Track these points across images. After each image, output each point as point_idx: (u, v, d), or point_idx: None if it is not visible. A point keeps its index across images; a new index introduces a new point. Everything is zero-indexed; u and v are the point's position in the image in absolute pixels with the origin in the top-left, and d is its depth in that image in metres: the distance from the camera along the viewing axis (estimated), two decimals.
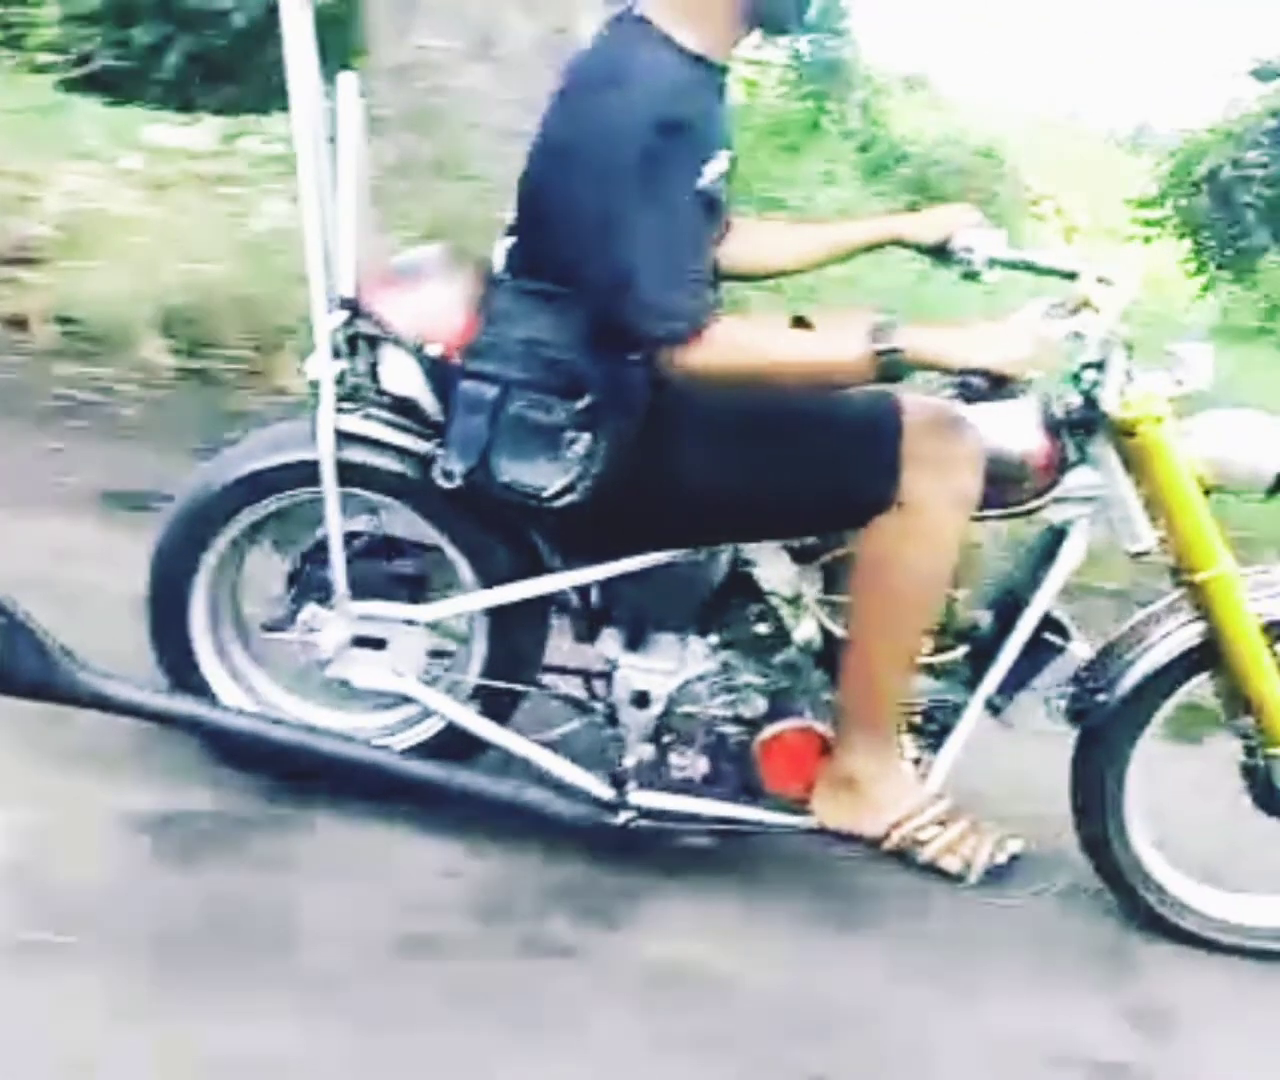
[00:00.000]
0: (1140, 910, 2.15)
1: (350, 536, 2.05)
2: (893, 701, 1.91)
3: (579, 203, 1.70)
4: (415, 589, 2.06)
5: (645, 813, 2.02)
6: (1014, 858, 1.92)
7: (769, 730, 1.99)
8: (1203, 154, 7.89)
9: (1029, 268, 2.10)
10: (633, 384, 1.77)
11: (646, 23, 1.75)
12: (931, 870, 1.89)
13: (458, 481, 1.82)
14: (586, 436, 1.78)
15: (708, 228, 1.78)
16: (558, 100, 1.78)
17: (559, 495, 1.80)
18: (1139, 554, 1.99)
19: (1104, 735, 2.08)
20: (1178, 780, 2.19)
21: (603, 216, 1.66)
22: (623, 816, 2.01)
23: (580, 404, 1.78)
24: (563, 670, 2.18)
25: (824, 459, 1.82)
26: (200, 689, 2.10)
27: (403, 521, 2.06)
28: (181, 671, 2.10)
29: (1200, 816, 2.20)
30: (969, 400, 1.72)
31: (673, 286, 1.67)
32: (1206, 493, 1.96)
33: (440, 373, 1.85)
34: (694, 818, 2.03)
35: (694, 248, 1.70)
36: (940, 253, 2.14)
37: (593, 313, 1.74)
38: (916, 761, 2.02)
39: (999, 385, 1.69)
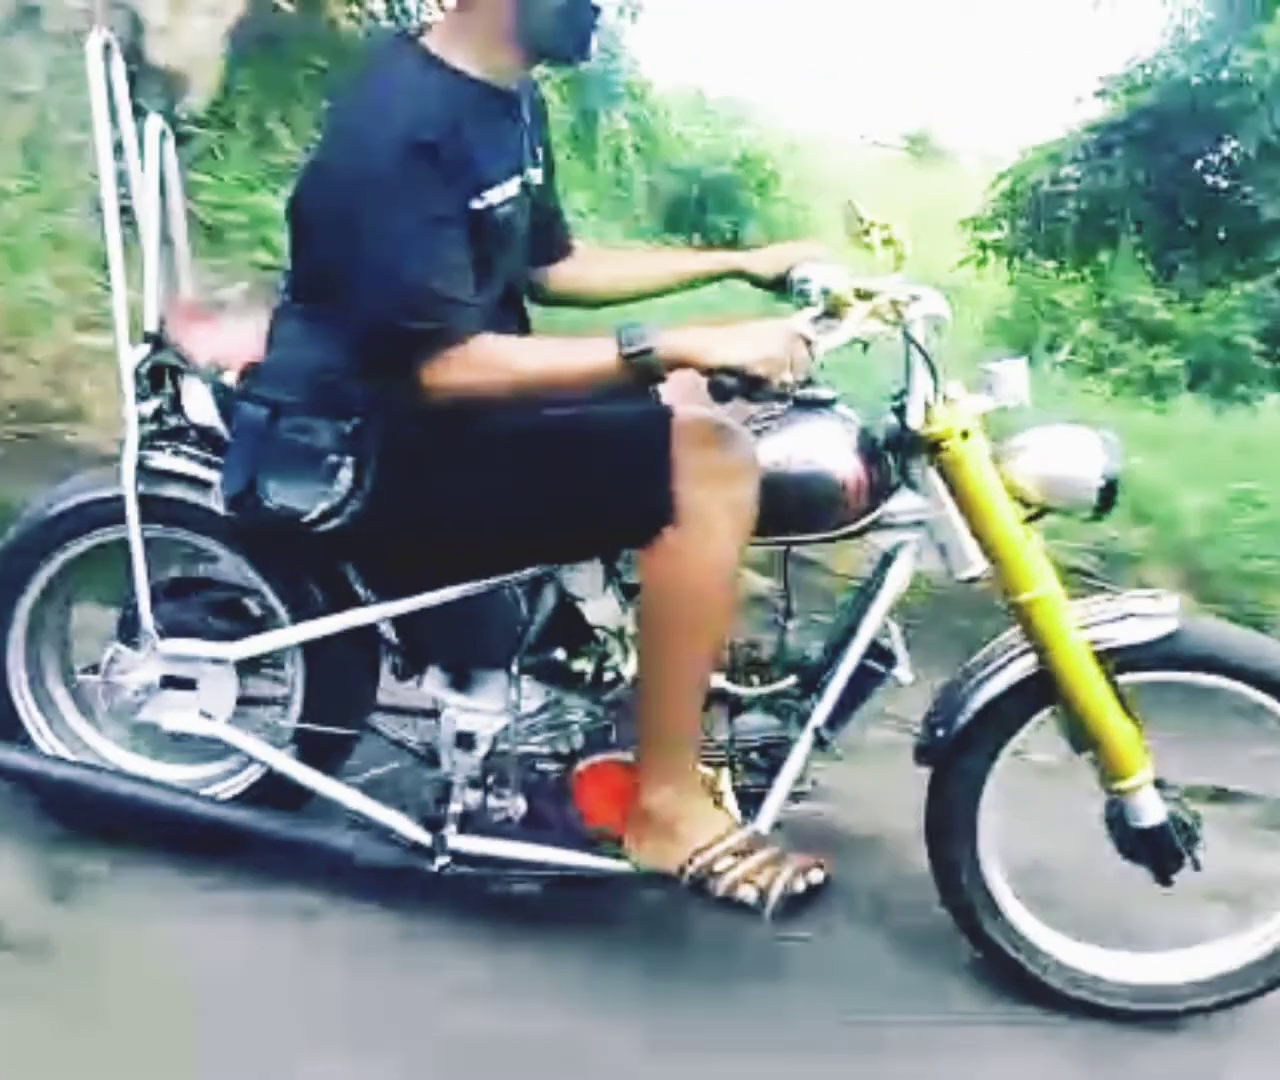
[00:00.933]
0: (998, 961, 2.03)
1: (180, 579, 2.04)
2: (687, 728, 1.83)
3: (337, 223, 1.70)
4: (234, 628, 2.02)
5: (462, 858, 1.94)
6: (816, 888, 1.82)
7: (583, 764, 1.92)
8: (1032, 172, 8.19)
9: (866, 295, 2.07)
10: (399, 407, 1.74)
11: (420, 46, 1.77)
12: (729, 903, 1.79)
13: (227, 506, 1.80)
14: (351, 460, 1.76)
15: (488, 248, 1.76)
16: (326, 123, 1.79)
17: (322, 519, 1.77)
18: (970, 580, 1.93)
19: (947, 775, 2.00)
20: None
21: (358, 236, 1.66)
22: (438, 862, 1.94)
23: (347, 427, 1.76)
24: (396, 711, 2.12)
25: (594, 474, 1.79)
26: (22, 738, 2.06)
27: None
28: (2, 722, 2.06)
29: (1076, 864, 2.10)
30: (722, 399, 1.67)
31: (424, 304, 1.65)
32: (1041, 514, 1.91)
33: (229, 400, 1.84)
34: (514, 863, 1.95)
35: (448, 266, 1.68)
36: (780, 286, 2.12)
37: (353, 332, 1.73)
38: (743, 797, 1.94)
39: (754, 386, 1.64)
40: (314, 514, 1.77)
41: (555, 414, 1.81)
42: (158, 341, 1.92)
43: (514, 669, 1.95)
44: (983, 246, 8.43)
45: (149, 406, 1.96)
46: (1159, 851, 1.92)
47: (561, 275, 2.13)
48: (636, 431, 1.79)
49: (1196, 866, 1.93)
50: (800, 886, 1.80)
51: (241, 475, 1.79)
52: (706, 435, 1.75)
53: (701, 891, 1.80)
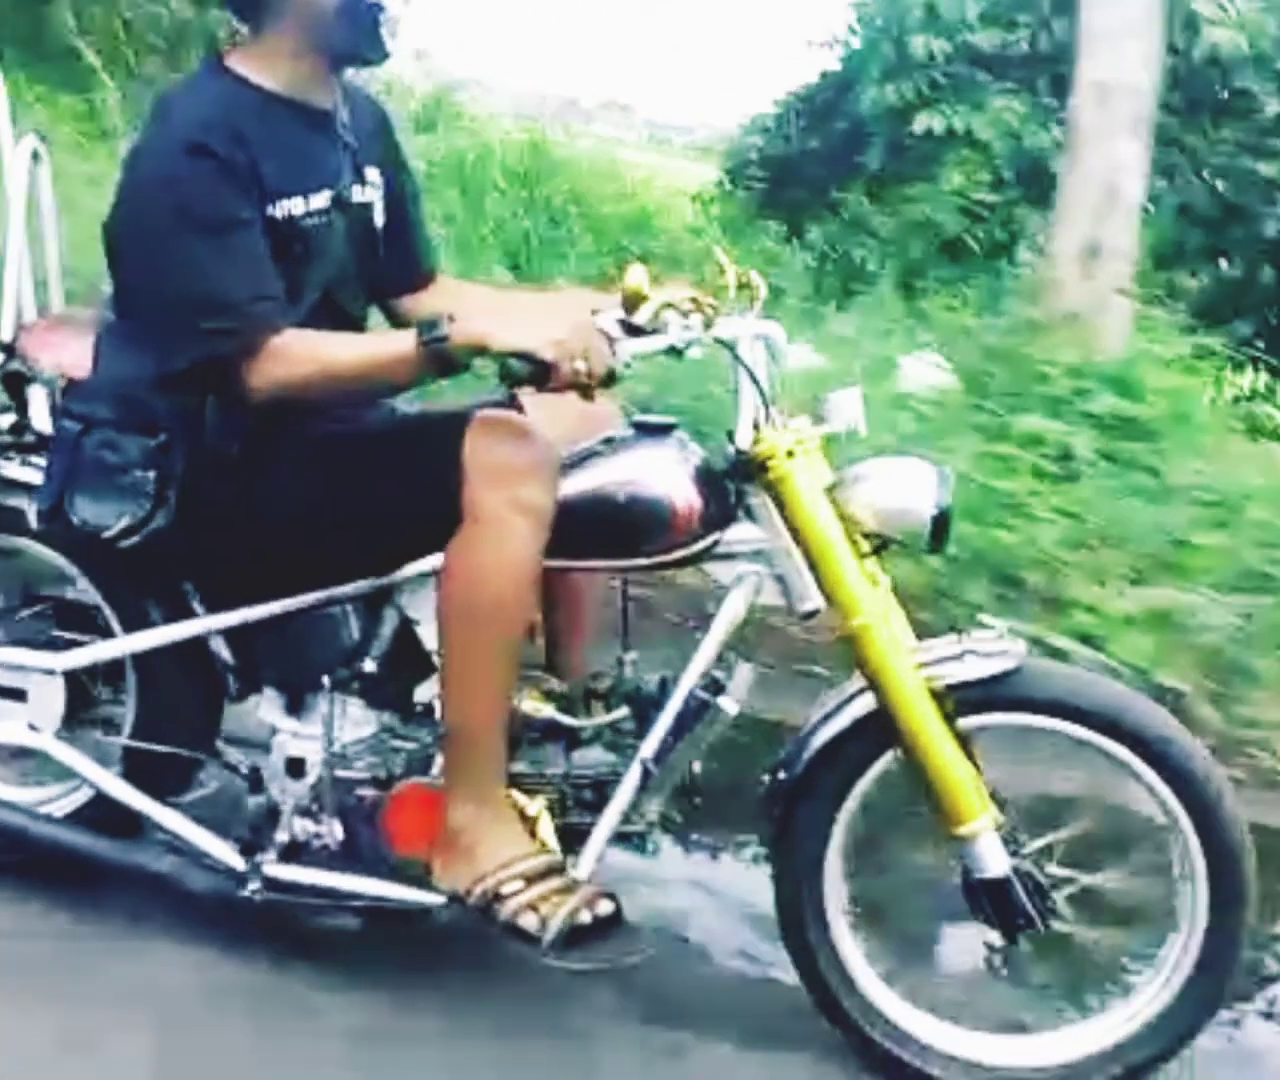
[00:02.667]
0: (851, 1033, 1.91)
1: (34, 594, 2.05)
2: (488, 742, 1.77)
3: (132, 235, 1.75)
4: (76, 642, 2.02)
5: (275, 885, 1.89)
6: (604, 921, 1.73)
7: (395, 789, 1.86)
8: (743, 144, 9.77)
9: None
10: (201, 420, 1.76)
11: (220, 66, 1.82)
12: (512, 929, 1.70)
13: (40, 520, 1.83)
14: (153, 474, 1.78)
15: (291, 260, 1.78)
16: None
17: (125, 534, 1.78)
18: (808, 615, 1.87)
19: (791, 823, 1.91)
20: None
21: (142, 243, 1.72)
22: (250, 888, 1.88)
23: (152, 442, 1.78)
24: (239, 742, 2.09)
25: (391, 480, 1.78)
26: None
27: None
28: None
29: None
30: (512, 384, 1.65)
31: (218, 303, 1.67)
32: (883, 546, 1.86)
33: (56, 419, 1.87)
34: (330, 893, 1.89)
35: (241, 264, 1.70)
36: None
37: (154, 342, 1.75)
38: (577, 834, 1.87)
39: (544, 372, 1.62)
40: (116, 529, 1.78)
41: (362, 425, 1.82)
42: (10, 351, 1.96)
43: (342, 691, 1.92)
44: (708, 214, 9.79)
45: (6, 418, 2.00)
46: (1002, 906, 1.81)
47: (422, 305, 2.13)
48: (431, 435, 1.79)
49: (1044, 925, 1.82)
50: (586, 918, 1.72)
51: (52, 492, 1.82)
52: (499, 435, 1.74)
53: (487, 915, 1.72)
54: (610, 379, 1.66)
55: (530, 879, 1.73)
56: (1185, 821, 1.79)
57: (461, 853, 1.77)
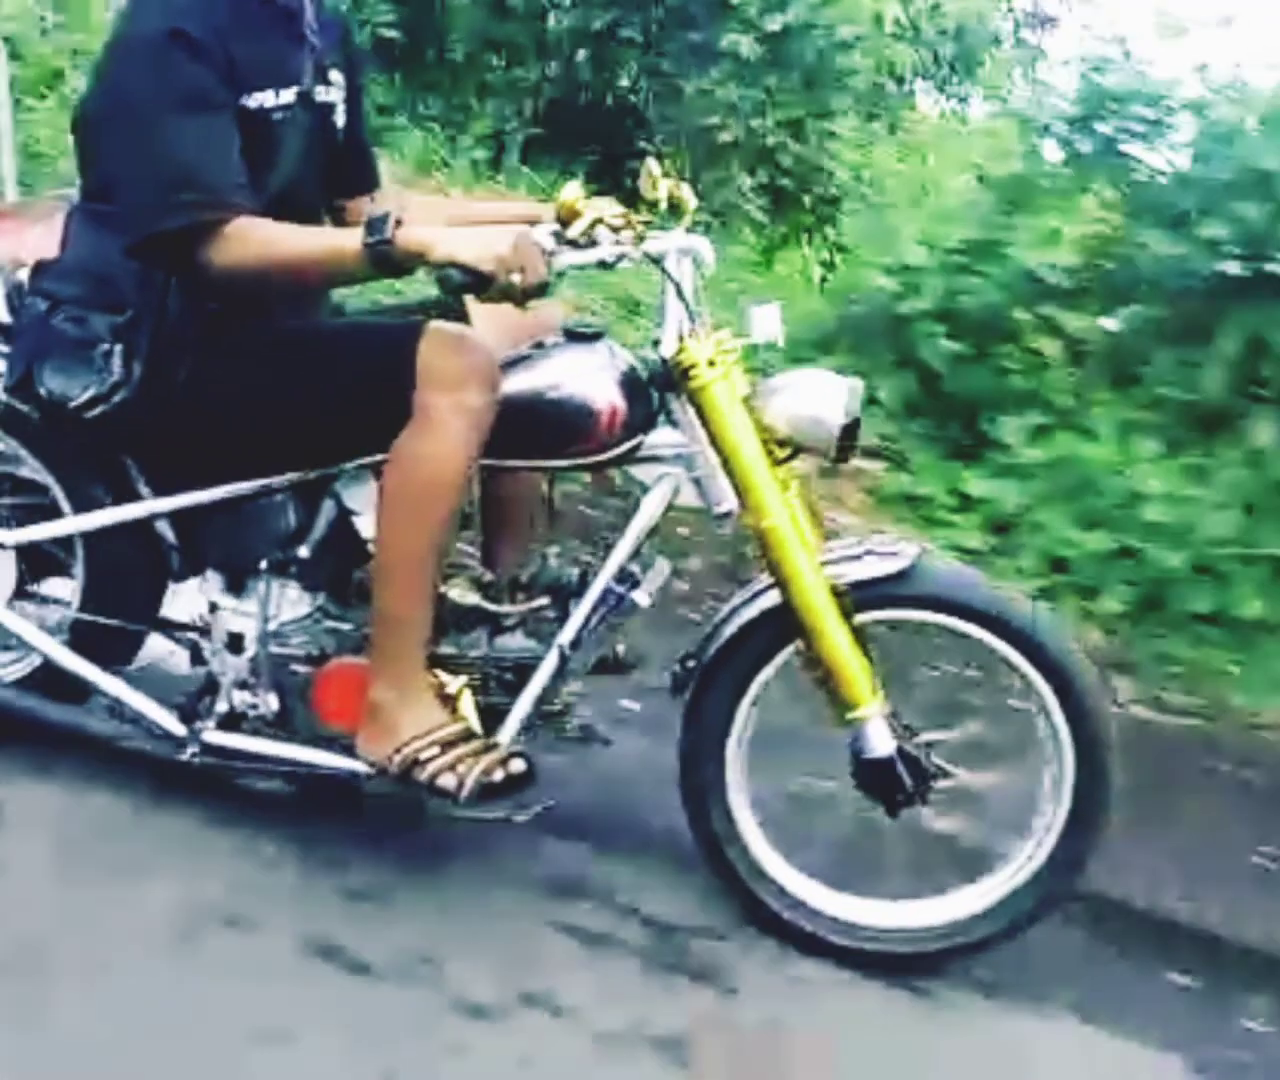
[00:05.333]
0: (742, 895, 2.09)
1: None
2: (410, 624, 1.90)
3: (106, 118, 1.82)
4: (28, 520, 2.10)
5: (212, 750, 2.01)
6: (514, 777, 1.88)
7: (326, 666, 1.99)
8: None
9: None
10: (165, 298, 1.84)
11: None
12: (431, 789, 1.85)
13: (7, 392, 1.90)
14: (120, 349, 1.85)
15: (258, 151, 1.86)
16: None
17: (88, 405, 1.86)
18: (722, 516, 2.00)
19: (698, 704, 2.06)
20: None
21: (122, 125, 1.78)
22: (189, 752, 2.01)
23: (120, 319, 1.86)
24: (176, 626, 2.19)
25: (346, 378, 1.88)
26: None
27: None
28: None
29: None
30: (449, 292, 1.76)
31: (181, 181, 1.75)
32: (795, 454, 1.99)
33: (21, 297, 1.94)
34: (262, 759, 2.02)
35: (208, 147, 1.78)
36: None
37: (121, 218, 1.82)
38: (496, 713, 2.00)
39: (481, 283, 1.73)
40: (81, 399, 1.86)
41: (319, 323, 1.91)
42: None
43: (280, 573, 2.03)
44: None
45: None
46: (886, 784, 1.98)
47: (364, 211, 2.19)
48: (386, 340, 1.89)
49: (923, 801, 1.99)
50: (499, 776, 1.86)
51: (20, 364, 1.89)
52: (446, 344, 1.84)
53: (407, 780, 1.86)
54: (542, 290, 1.75)
55: (446, 745, 1.87)
56: (1055, 708, 1.97)
57: (383, 726, 1.90)
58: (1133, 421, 3.40)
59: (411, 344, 1.83)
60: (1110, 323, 3.50)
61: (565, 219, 1.77)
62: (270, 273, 1.79)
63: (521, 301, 1.76)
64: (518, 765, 1.88)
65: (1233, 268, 3.32)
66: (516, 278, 1.71)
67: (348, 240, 1.77)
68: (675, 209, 2.14)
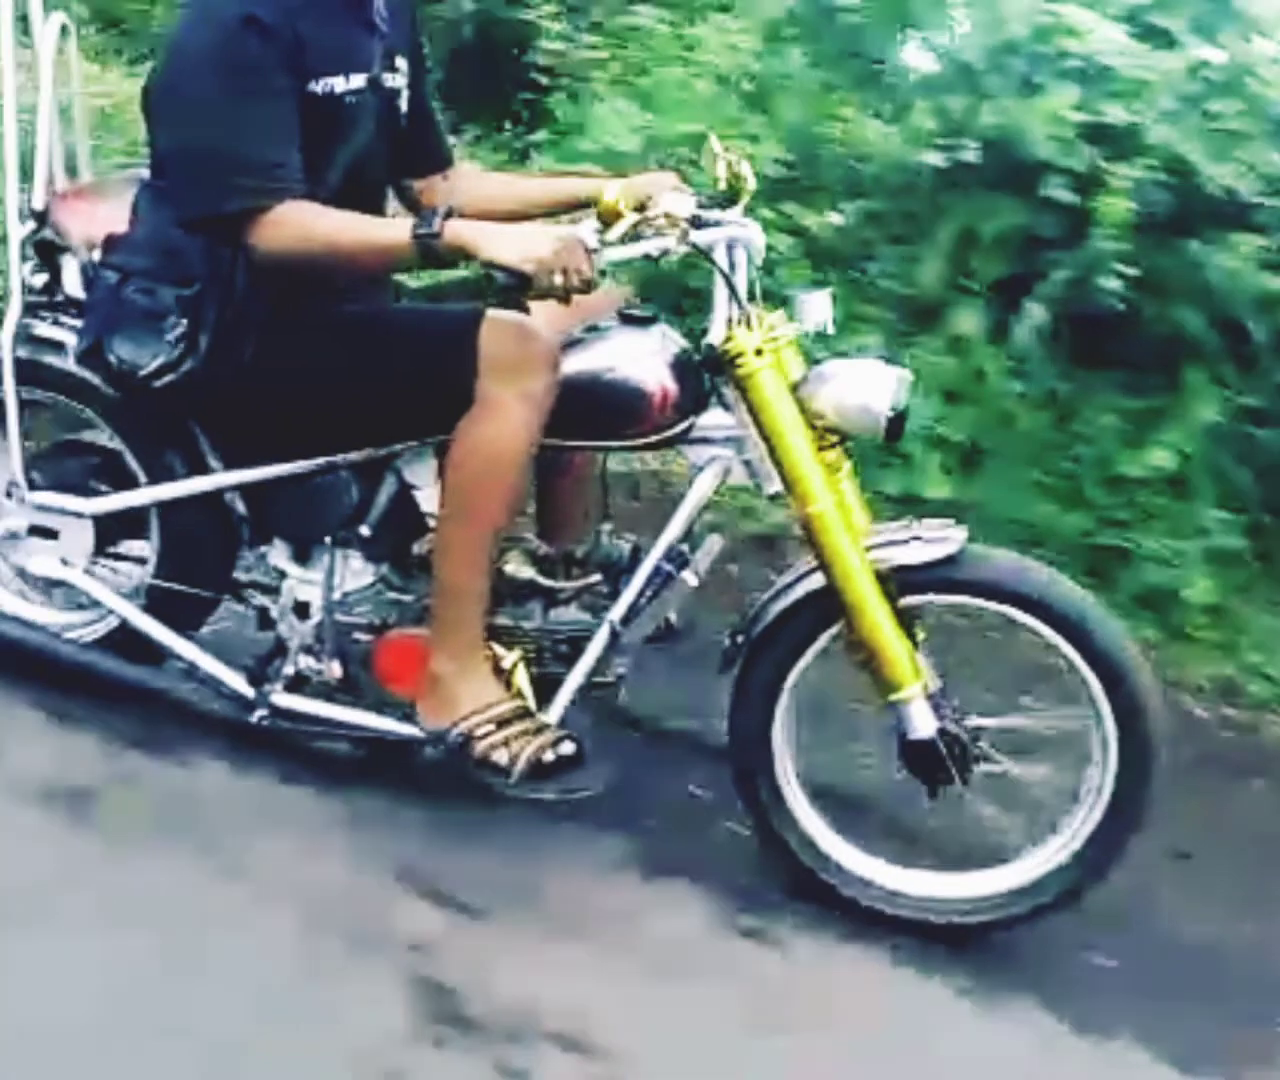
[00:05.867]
0: (789, 867, 2.15)
1: (72, 442, 2.24)
2: (470, 599, 1.97)
3: (176, 97, 1.89)
4: (103, 488, 2.21)
5: (280, 713, 2.12)
6: (565, 759, 1.96)
7: (388, 636, 2.07)
8: None
9: (712, 224, 2.16)
10: (233, 274, 1.91)
11: None
12: (485, 765, 1.93)
13: (78, 361, 1.99)
14: (185, 321, 1.93)
15: (326, 135, 1.92)
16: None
17: (156, 374, 1.93)
18: (774, 496, 2.05)
19: (745, 681, 2.11)
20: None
21: (190, 105, 1.85)
22: (257, 715, 2.11)
23: (187, 291, 1.93)
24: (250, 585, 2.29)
25: (410, 363, 1.94)
26: None
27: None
28: None
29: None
30: (496, 289, 1.81)
31: (241, 165, 1.82)
32: (842, 439, 2.02)
33: (92, 271, 2.02)
34: (328, 722, 2.11)
35: (270, 132, 1.84)
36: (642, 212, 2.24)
37: (184, 195, 1.89)
38: (550, 684, 2.07)
39: (524, 283, 1.77)
40: (150, 368, 1.94)
41: (384, 308, 1.98)
42: (41, 219, 2.11)
43: (345, 545, 2.11)
44: None
45: (39, 279, 2.16)
46: (928, 764, 2.03)
47: (436, 190, 2.28)
48: (448, 327, 1.94)
49: (964, 782, 2.04)
50: (550, 756, 1.94)
51: (91, 334, 1.98)
52: (507, 333, 1.89)
53: (463, 753, 1.95)
54: (587, 287, 1.80)
55: (501, 722, 1.94)
56: (1102, 699, 2.00)
57: (442, 698, 1.98)
58: (857, 314, 3.38)
59: (472, 332, 1.89)
60: (836, 217, 3.51)
61: (606, 220, 1.80)
62: (319, 258, 1.85)
63: (566, 299, 1.80)
64: (568, 747, 1.96)
65: (934, 157, 3.36)
66: (559, 279, 1.76)
67: (396, 231, 1.82)
68: (733, 186, 2.18)
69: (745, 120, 3.75)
